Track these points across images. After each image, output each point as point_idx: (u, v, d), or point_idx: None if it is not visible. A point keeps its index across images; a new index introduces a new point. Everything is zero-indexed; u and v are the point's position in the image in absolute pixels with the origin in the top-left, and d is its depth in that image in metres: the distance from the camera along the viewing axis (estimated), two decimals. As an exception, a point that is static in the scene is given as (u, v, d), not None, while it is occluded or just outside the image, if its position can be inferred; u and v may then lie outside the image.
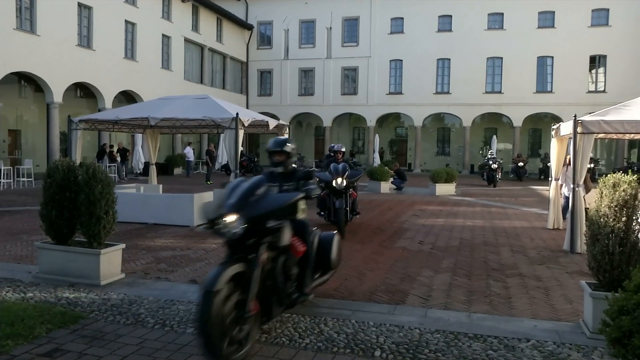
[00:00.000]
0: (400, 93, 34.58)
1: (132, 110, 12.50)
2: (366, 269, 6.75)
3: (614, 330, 3.03)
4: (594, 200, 4.77)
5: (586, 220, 5.14)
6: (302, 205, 4.49)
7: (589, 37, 31.02)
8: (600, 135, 8.73)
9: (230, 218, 3.58)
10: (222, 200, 3.75)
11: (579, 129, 7.69)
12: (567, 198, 9.75)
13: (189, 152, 26.76)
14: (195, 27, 31.29)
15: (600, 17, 31.11)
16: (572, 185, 8.14)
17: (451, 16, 33.27)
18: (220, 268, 3.52)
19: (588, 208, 5.75)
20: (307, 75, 36.68)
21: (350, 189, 9.47)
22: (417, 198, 16.80)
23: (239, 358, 3.57)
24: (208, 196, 10.70)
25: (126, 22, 25.30)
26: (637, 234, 4.38)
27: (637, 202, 4.44)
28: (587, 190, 9.08)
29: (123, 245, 6.06)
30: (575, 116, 7.85)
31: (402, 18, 34.23)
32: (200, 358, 3.61)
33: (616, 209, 4.41)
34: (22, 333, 4.06)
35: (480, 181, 24.78)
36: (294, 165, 5.00)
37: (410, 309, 5.04)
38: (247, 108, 30.69)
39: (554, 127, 9.86)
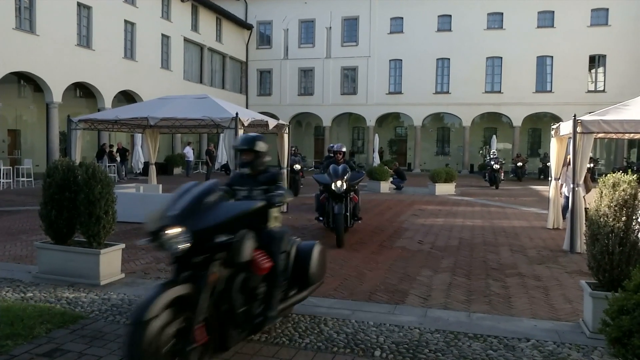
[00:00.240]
0: (400, 93, 34.58)
1: (131, 110, 12.50)
2: (366, 268, 6.75)
3: (613, 330, 3.04)
4: (593, 200, 4.77)
5: (586, 220, 5.14)
6: (275, 213, 4.08)
7: (588, 37, 31.02)
8: (600, 135, 8.73)
9: (173, 231, 3.06)
10: (167, 208, 3.22)
11: (578, 129, 7.70)
12: (567, 198, 9.74)
13: (189, 152, 26.76)
14: (194, 27, 31.28)
15: (600, 17, 31.11)
16: (572, 185, 8.14)
17: (451, 16, 33.26)
18: (158, 290, 2.97)
19: (588, 208, 5.74)
20: (306, 75, 36.67)
21: (351, 193, 8.74)
22: (417, 198, 16.80)
23: None
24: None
25: (125, 21, 25.27)
26: (637, 234, 4.38)
27: (636, 202, 4.44)
28: (588, 190, 9.09)
29: (123, 245, 6.06)
30: (574, 116, 7.86)
31: (402, 18, 34.23)
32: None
33: (616, 208, 4.41)
34: (22, 333, 4.05)
35: (481, 182, 24.64)
36: (263, 166, 4.34)
37: (410, 309, 5.04)
38: (247, 108, 30.67)
39: (554, 126, 9.86)
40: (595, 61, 31.66)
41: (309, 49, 36.09)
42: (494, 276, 6.46)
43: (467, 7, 32.57)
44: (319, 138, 38.42)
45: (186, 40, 30.44)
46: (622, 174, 4.61)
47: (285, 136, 12.38)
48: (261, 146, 4.25)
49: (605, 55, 31.18)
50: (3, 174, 17.46)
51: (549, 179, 10.34)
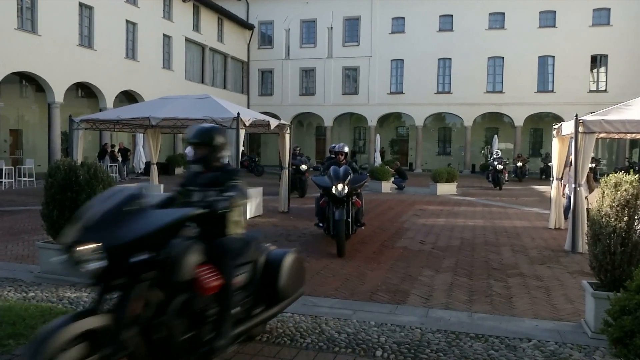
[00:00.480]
0: (401, 93, 34.56)
1: (133, 110, 12.51)
2: (367, 268, 6.74)
3: (615, 330, 3.03)
4: (595, 200, 4.77)
5: (588, 220, 5.14)
6: (235, 217, 3.53)
7: (590, 37, 30.97)
8: (602, 135, 8.72)
9: (85, 247, 2.54)
10: (83, 217, 2.68)
11: (580, 129, 7.69)
12: (570, 198, 9.73)
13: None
14: (196, 27, 31.29)
15: (602, 17, 31.06)
16: (573, 185, 8.13)
17: (452, 16, 33.23)
18: (64, 321, 2.46)
19: (590, 208, 5.73)
20: (308, 75, 36.67)
21: (354, 197, 8.00)
22: (418, 198, 16.79)
23: None
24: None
25: (127, 21, 25.29)
26: (639, 234, 4.37)
27: (638, 202, 4.43)
28: (591, 190, 9.08)
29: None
30: (576, 116, 7.85)
31: (403, 18, 34.21)
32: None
33: (618, 208, 4.41)
34: (24, 333, 4.06)
35: (483, 182, 24.17)
36: (220, 162, 3.68)
37: (411, 309, 5.04)
38: (248, 108, 30.62)
39: (555, 126, 9.85)
40: (597, 61, 31.61)
41: (311, 49, 36.10)
42: (495, 276, 6.45)
43: (468, 7, 32.53)
44: (320, 138, 38.42)
45: (188, 40, 30.45)
46: (624, 174, 4.61)
47: (287, 136, 12.38)
48: (217, 139, 3.60)
49: (606, 55, 31.13)
50: (5, 174, 17.49)
51: (551, 179, 10.33)
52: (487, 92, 33.04)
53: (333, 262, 7.02)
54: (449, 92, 33.65)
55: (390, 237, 9.21)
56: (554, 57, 31.86)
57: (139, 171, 22.86)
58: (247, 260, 3.57)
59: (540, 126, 34.42)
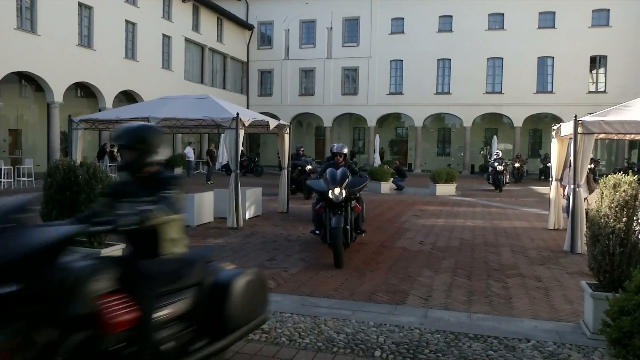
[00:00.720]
0: (401, 93, 34.58)
1: (132, 110, 12.53)
2: (366, 269, 6.74)
3: (614, 331, 3.03)
4: (594, 200, 4.78)
5: (586, 221, 5.14)
6: (172, 233, 2.94)
7: (589, 38, 30.99)
8: (601, 136, 8.73)
9: None
10: None
11: (579, 130, 7.70)
12: (569, 199, 9.74)
13: (190, 152, 26.75)
14: (195, 27, 31.29)
15: (601, 18, 31.09)
16: (572, 186, 8.14)
17: (452, 16, 33.25)
18: None
19: (589, 209, 5.74)
20: (307, 75, 36.68)
21: (353, 202, 7.28)
22: (418, 198, 16.79)
23: None
24: (208, 196, 10.70)
25: (127, 21, 25.29)
26: (638, 235, 4.38)
27: (637, 203, 4.44)
28: (591, 190, 9.09)
29: (123, 245, 6.05)
30: (575, 116, 7.86)
31: (403, 18, 34.22)
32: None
33: (617, 209, 4.41)
34: (23, 333, 4.05)
35: (482, 182, 23.77)
36: (153, 168, 3.03)
37: (410, 309, 5.04)
38: (248, 108, 30.66)
39: (555, 127, 9.86)
40: (596, 62, 31.64)
41: (310, 50, 36.11)
42: (494, 277, 6.46)
43: (468, 7, 32.56)
44: (319, 138, 38.42)
45: (187, 40, 30.45)
46: (623, 174, 4.62)
47: (286, 136, 12.38)
48: (148, 140, 2.96)
49: (606, 56, 31.16)
50: (4, 174, 17.48)
51: (550, 179, 10.34)
52: (487, 92, 33.06)
53: (332, 264, 7.01)
54: (448, 93, 33.67)
55: (390, 238, 9.21)
56: (553, 57, 31.89)
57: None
58: (189, 283, 2.95)
59: (540, 127, 34.45)
